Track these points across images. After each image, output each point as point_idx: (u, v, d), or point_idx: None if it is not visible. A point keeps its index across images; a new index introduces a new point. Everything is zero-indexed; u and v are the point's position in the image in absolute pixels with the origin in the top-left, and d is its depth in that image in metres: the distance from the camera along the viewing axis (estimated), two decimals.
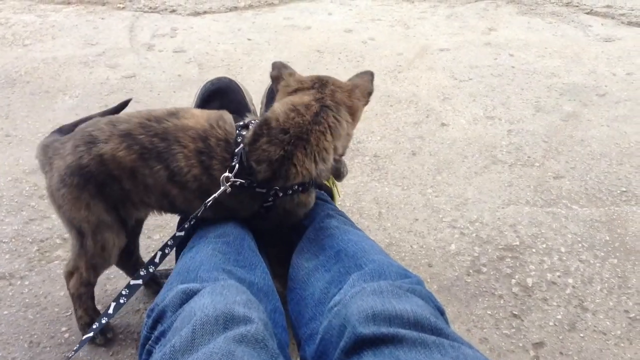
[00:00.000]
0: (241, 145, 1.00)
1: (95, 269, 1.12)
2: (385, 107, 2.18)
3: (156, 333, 0.79)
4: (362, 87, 1.12)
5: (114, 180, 1.01)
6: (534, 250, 1.49)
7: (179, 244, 1.17)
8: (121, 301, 0.93)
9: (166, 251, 0.98)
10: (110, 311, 0.93)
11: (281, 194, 1.03)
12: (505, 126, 2.06)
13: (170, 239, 0.99)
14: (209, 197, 1.01)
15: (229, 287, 0.81)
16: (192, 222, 0.99)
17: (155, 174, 1.00)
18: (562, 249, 1.49)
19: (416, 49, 2.72)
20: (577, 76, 2.43)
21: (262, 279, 0.95)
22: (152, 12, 3.14)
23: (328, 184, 1.31)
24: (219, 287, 0.80)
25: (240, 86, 1.39)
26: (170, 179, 1.00)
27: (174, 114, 1.04)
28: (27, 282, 1.37)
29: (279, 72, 1.15)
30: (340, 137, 1.05)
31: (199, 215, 0.99)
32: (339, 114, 1.05)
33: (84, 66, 2.47)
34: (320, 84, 1.08)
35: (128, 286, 0.94)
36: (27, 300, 1.32)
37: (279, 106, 1.04)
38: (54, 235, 1.50)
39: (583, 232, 1.55)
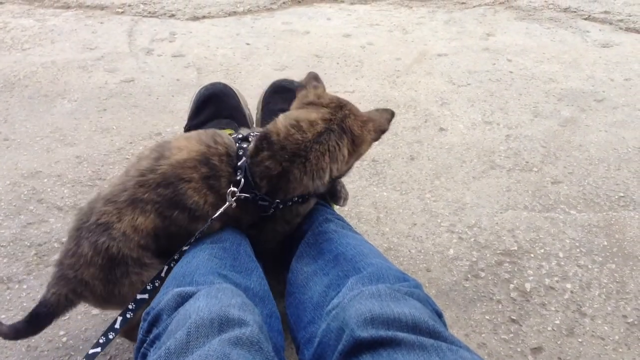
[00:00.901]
0: (243, 158, 1.00)
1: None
2: None
3: (151, 336, 0.79)
4: (377, 122, 1.11)
5: (145, 250, 0.99)
6: (532, 255, 1.49)
7: None
8: (127, 315, 0.93)
9: (172, 265, 0.98)
10: (117, 326, 0.92)
11: (282, 206, 1.03)
12: (504, 131, 2.06)
13: (177, 253, 0.99)
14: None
15: (224, 290, 0.81)
16: (198, 237, 0.99)
17: (175, 219, 0.98)
18: (560, 254, 1.49)
19: (414, 54, 2.72)
20: (575, 81, 2.44)
21: (258, 284, 0.96)
22: (151, 16, 3.14)
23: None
24: (214, 290, 0.80)
25: (235, 91, 1.39)
26: (192, 217, 0.99)
27: (160, 156, 1.00)
28: (24, 286, 1.36)
29: (307, 83, 1.15)
30: (337, 161, 1.05)
31: (205, 230, 0.99)
32: (340, 141, 1.05)
33: (83, 70, 2.47)
34: (337, 105, 1.07)
35: (134, 300, 0.94)
36: (24, 304, 1.31)
37: (282, 120, 1.04)
38: (52, 239, 1.50)
39: (581, 237, 1.55)
